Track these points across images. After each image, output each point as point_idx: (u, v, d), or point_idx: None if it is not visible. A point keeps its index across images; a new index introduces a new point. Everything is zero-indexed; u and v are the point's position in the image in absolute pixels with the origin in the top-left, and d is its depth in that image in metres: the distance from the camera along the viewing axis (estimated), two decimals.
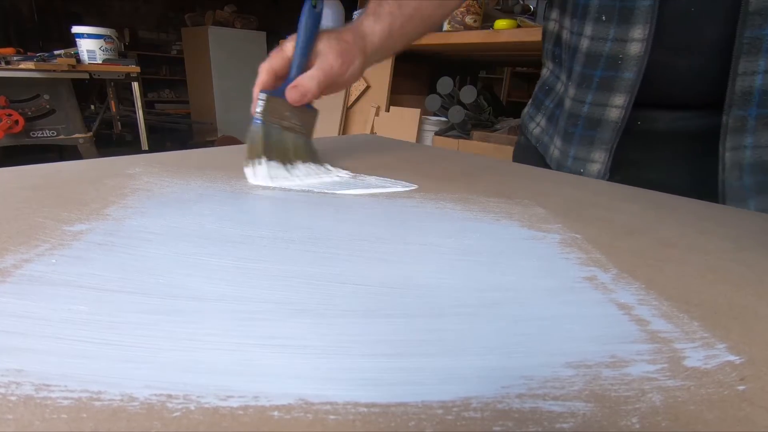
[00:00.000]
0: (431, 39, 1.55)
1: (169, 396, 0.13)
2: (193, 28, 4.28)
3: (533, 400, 0.14)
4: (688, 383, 0.15)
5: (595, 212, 0.35)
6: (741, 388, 0.15)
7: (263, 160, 0.40)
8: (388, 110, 1.78)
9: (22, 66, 1.91)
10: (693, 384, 0.15)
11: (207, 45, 4.04)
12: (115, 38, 2.25)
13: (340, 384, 0.14)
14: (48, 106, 2.09)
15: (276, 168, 0.40)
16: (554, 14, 0.54)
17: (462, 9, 1.46)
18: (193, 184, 0.37)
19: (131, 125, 2.76)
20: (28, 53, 2.13)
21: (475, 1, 1.47)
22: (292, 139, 0.43)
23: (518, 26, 1.32)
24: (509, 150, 1.35)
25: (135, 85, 2.39)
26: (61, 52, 2.16)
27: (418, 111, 1.68)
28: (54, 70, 2.00)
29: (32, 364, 0.14)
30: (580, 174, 0.50)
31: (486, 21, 1.49)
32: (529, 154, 0.60)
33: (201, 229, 0.27)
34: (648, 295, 0.21)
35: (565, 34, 0.51)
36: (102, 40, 2.17)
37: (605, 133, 0.48)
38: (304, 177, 0.41)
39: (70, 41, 2.21)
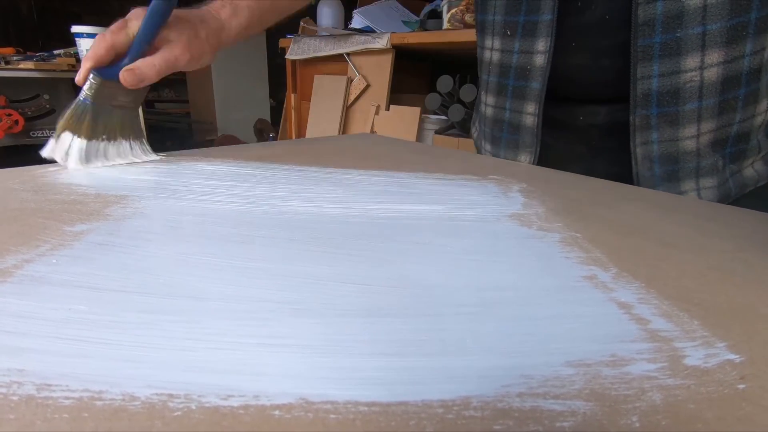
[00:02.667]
0: (431, 38, 1.54)
1: (170, 395, 0.13)
2: None
3: (533, 399, 0.14)
4: (688, 382, 0.15)
5: (596, 211, 0.35)
6: (741, 386, 0.15)
7: (75, 140, 0.39)
8: (388, 109, 1.78)
9: (21, 66, 1.91)
10: (693, 383, 0.15)
11: None
12: None
13: (340, 383, 0.15)
14: (48, 106, 2.08)
15: (92, 148, 0.40)
16: (478, 26, 0.58)
17: (462, 7, 1.46)
18: (193, 184, 0.37)
19: None
20: (28, 53, 2.12)
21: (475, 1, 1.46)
22: (119, 116, 0.43)
23: None
24: None
25: None
26: (61, 51, 2.16)
27: (418, 110, 1.68)
28: (54, 70, 2.00)
29: (33, 364, 0.14)
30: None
31: None
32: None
33: (201, 229, 0.27)
34: (648, 294, 0.21)
35: (484, 48, 0.55)
36: None
37: (526, 137, 0.52)
38: (116, 157, 0.42)
39: (70, 41, 2.20)
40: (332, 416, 0.13)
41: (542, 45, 0.47)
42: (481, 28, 0.53)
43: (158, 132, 3.85)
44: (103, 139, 0.41)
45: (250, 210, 0.31)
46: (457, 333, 0.18)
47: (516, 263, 0.25)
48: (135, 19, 0.41)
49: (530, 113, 0.50)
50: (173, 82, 5.18)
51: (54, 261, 0.22)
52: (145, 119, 2.49)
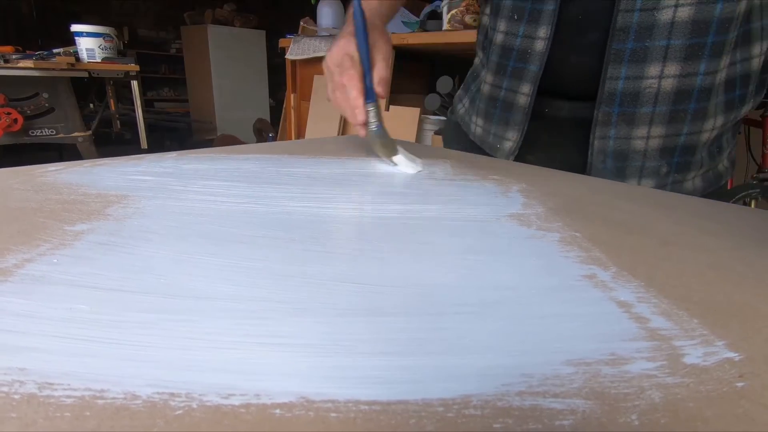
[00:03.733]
0: (431, 38, 1.54)
1: (172, 394, 0.14)
2: (192, 27, 4.27)
3: (533, 397, 0.14)
4: (687, 380, 0.15)
5: (595, 210, 0.35)
6: (740, 385, 0.15)
7: (400, 154, 0.47)
8: (387, 109, 1.78)
9: (21, 64, 1.91)
10: (692, 381, 0.15)
11: (206, 43, 4.03)
12: (114, 37, 2.24)
13: (341, 382, 0.15)
14: (47, 105, 2.08)
15: (406, 155, 0.47)
16: (486, 9, 0.62)
17: (461, 8, 1.46)
18: (193, 184, 0.37)
19: (130, 124, 2.75)
20: (27, 51, 2.12)
21: (474, 1, 1.46)
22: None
23: None
24: None
25: (134, 84, 2.39)
26: (61, 50, 2.16)
27: (417, 110, 1.68)
28: (53, 69, 2.00)
29: (35, 363, 0.15)
30: (497, 149, 0.59)
31: None
32: (453, 130, 0.69)
33: (202, 229, 0.27)
34: (647, 293, 0.22)
35: (489, 29, 0.60)
36: (101, 39, 2.17)
37: (517, 116, 0.55)
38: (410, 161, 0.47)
39: (70, 39, 2.20)
40: (333, 415, 0.13)
41: (543, 32, 0.50)
42: (495, 9, 0.57)
43: (158, 131, 3.85)
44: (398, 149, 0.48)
45: (250, 210, 0.31)
46: (457, 332, 0.18)
47: (516, 263, 0.25)
48: (347, 40, 0.47)
49: (525, 93, 0.54)
50: (173, 82, 5.18)
51: (55, 260, 0.22)
52: (144, 118, 2.50)
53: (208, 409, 0.13)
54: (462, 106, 0.68)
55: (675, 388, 0.15)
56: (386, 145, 0.47)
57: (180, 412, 0.13)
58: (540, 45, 0.51)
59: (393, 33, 1.65)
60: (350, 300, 0.20)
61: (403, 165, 0.46)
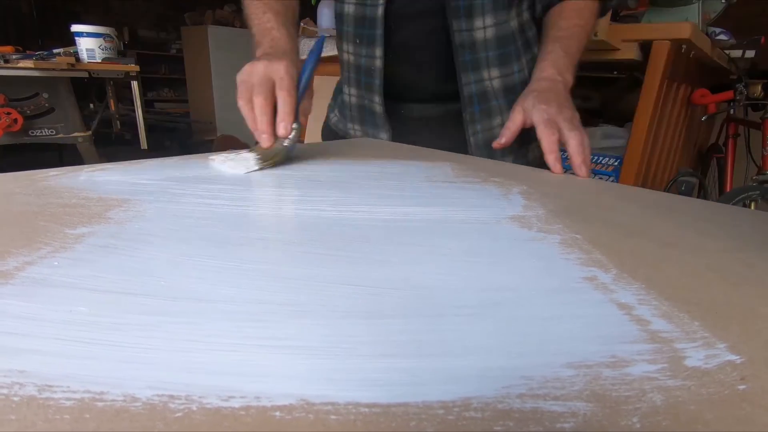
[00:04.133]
0: None
1: (171, 396, 0.13)
2: (192, 27, 4.28)
3: (534, 400, 0.14)
4: (688, 383, 0.15)
5: (596, 213, 0.35)
6: (741, 387, 0.15)
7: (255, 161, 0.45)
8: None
9: (21, 64, 1.90)
10: (693, 384, 0.15)
11: (207, 44, 4.03)
12: (114, 37, 2.24)
13: (341, 384, 0.15)
14: (47, 105, 2.08)
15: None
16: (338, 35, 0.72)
17: None
18: (193, 187, 0.37)
19: (130, 124, 2.75)
20: (28, 51, 2.12)
21: None
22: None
23: None
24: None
25: (134, 84, 2.38)
26: (61, 50, 2.16)
27: None
28: (53, 69, 1.99)
29: (35, 365, 0.15)
30: None
31: None
32: (333, 137, 0.77)
33: (202, 232, 0.27)
34: (648, 295, 0.22)
35: (342, 51, 0.71)
36: (101, 39, 2.17)
37: (380, 120, 0.67)
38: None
39: (70, 40, 2.20)
40: (333, 417, 0.13)
41: (378, 52, 0.63)
42: (343, 36, 0.68)
43: (157, 132, 3.85)
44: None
45: (250, 213, 0.31)
46: (457, 334, 0.18)
47: (516, 265, 0.25)
48: (291, 65, 0.50)
49: (377, 102, 0.66)
50: (173, 82, 5.18)
51: (55, 263, 0.22)
52: (144, 118, 2.50)
53: (207, 411, 0.13)
54: (335, 116, 0.78)
55: (676, 390, 0.15)
56: (277, 162, 0.47)
57: (180, 414, 0.13)
58: (378, 63, 0.63)
59: None
60: (350, 302, 0.20)
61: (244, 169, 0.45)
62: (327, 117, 0.81)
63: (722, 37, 1.43)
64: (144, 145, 2.50)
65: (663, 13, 1.25)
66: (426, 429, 0.13)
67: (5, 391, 0.13)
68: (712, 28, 1.40)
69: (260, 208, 0.32)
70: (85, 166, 0.42)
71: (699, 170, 1.84)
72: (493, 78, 0.62)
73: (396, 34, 0.62)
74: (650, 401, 0.14)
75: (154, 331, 0.17)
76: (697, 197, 0.70)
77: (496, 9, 0.60)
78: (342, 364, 0.16)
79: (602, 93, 1.70)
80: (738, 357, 0.17)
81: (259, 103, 0.47)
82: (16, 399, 0.13)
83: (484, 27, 0.60)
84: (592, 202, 0.38)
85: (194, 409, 0.13)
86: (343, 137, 0.74)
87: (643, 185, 1.14)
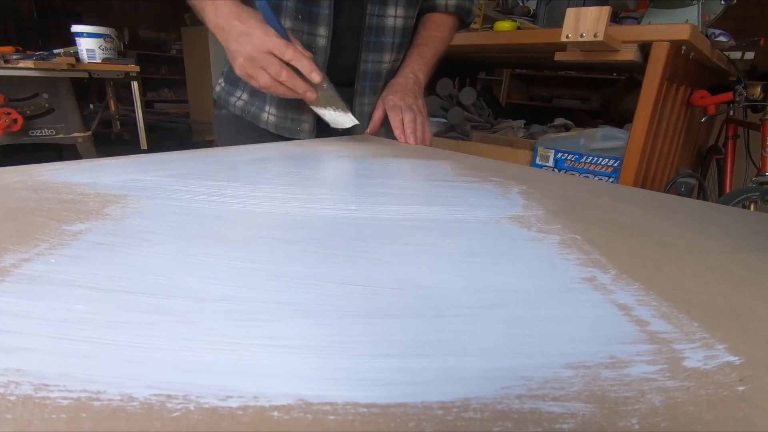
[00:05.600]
0: None
1: (169, 396, 0.13)
2: (192, 28, 4.28)
3: (533, 400, 0.14)
4: (687, 384, 0.15)
5: (595, 213, 0.35)
6: (740, 388, 0.15)
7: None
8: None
9: (21, 64, 1.90)
10: (692, 385, 0.15)
11: (207, 44, 4.03)
12: (114, 37, 2.24)
13: (339, 384, 0.14)
14: (47, 105, 2.08)
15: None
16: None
17: None
18: (192, 184, 0.37)
19: (130, 124, 2.75)
20: (28, 52, 2.12)
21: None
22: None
23: (518, 28, 1.31)
24: (509, 151, 1.35)
25: (134, 85, 2.39)
26: (61, 50, 2.16)
27: None
28: (53, 69, 1.99)
29: (31, 364, 0.14)
30: (297, 131, 0.73)
31: (486, 22, 1.49)
32: (230, 123, 0.77)
33: (200, 230, 0.27)
34: (647, 296, 0.21)
35: None
36: (102, 39, 2.17)
37: (306, 105, 0.68)
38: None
39: (70, 40, 2.20)
40: (331, 417, 0.13)
41: (323, 31, 0.66)
42: (277, 10, 0.67)
43: (157, 132, 3.85)
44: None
45: (249, 211, 0.31)
46: (456, 334, 0.18)
47: (516, 265, 0.25)
48: (267, 32, 0.56)
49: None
50: (173, 83, 5.18)
51: (53, 260, 0.22)
52: (144, 119, 2.50)
53: (205, 411, 0.13)
54: (237, 99, 0.76)
55: (675, 391, 0.15)
56: (339, 99, 0.61)
57: (177, 414, 0.13)
58: (322, 41, 0.67)
59: None
60: (349, 302, 0.20)
61: (347, 119, 0.63)
62: (223, 101, 0.78)
63: (722, 38, 1.43)
64: (144, 145, 2.50)
65: (662, 14, 1.25)
66: (425, 429, 0.13)
67: (1, 389, 0.13)
68: (711, 30, 1.40)
69: (259, 206, 0.32)
70: (83, 160, 0.42)
71: (698, 171, 1.84)
72: (392, 61, 0.74)
73: (337, 17, 0.66)
74: (649, 402, 0.14)
75: (151, 329, 0.17)
76: (697, 198, 0.70)
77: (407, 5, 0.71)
78: (341, 364, 0.15)
79: (602, 94, 1.71)
80: (737, 358, 0.17)
81: (285, 75, 0.56)
82: (12, 398, 0.13)
83: (395, 16, 0.70)
84: (592, 203, 0.38)
85: (192, 408, 0.13)
86: (251, 122, 0.74)
87: (643, 186, 1.14)
